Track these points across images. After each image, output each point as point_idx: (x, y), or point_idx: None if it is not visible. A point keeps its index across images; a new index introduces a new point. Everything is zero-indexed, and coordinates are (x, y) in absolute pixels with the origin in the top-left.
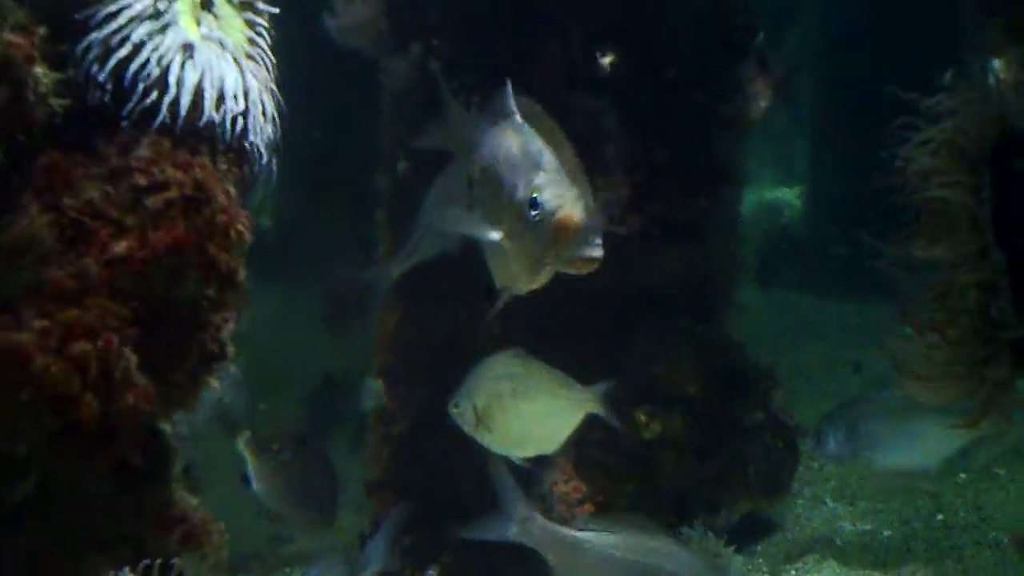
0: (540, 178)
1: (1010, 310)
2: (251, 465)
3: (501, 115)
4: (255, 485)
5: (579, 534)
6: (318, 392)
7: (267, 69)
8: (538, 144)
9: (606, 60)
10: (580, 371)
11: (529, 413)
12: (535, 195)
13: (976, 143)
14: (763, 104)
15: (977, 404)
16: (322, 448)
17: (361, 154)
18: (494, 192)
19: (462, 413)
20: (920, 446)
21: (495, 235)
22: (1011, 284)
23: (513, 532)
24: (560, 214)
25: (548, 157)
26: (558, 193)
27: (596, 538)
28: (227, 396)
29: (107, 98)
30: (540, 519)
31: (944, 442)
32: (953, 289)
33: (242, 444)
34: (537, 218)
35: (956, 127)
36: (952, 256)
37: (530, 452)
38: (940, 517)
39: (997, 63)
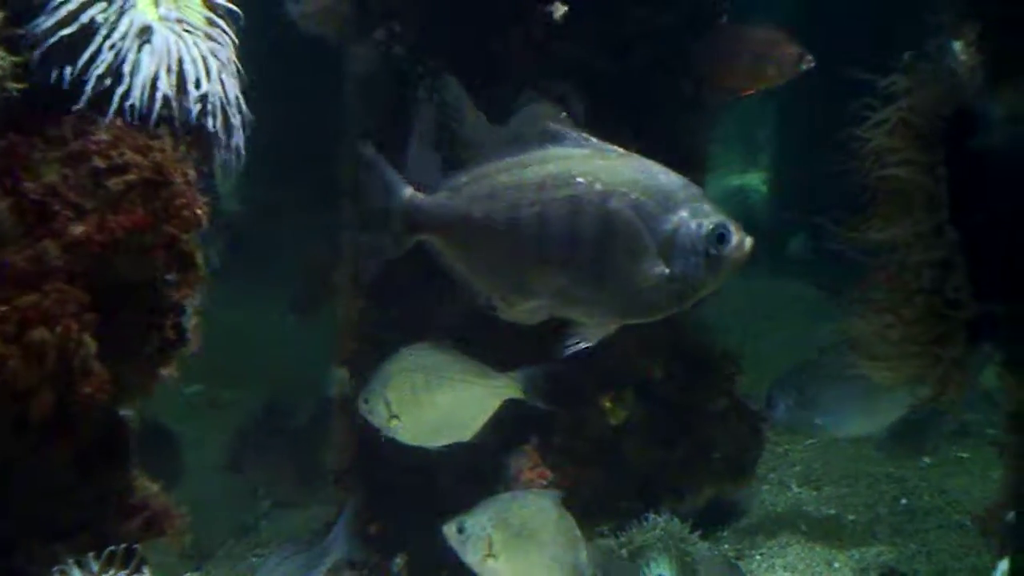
0: (710, 208)
1: (965, 288)
2: None
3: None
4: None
5: None
6: (258, 419)
7: (229, 51)
8: (661, 167)
9: (558, 13)
10: (545, 356)
11: (444, 403)
12: (720, 229)
13: (930, 122)
14: (795, 69)
15: (932, 383)
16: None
17: (329, 140)
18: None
19: (372, 408)
20: (867, 412)
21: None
22: (966, 262)
23: None
24: (748, 244)
25: (686, 181)
26: (736, 224)
27: None
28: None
29: (65, 81)
30: None
31: (890, 408)
32: (908, 268)
33: None
34: (723, 253)
35: (910, 106)
36: (907, 235)
37: (444, 441)
38: (904, 501)
39: (957, 44)
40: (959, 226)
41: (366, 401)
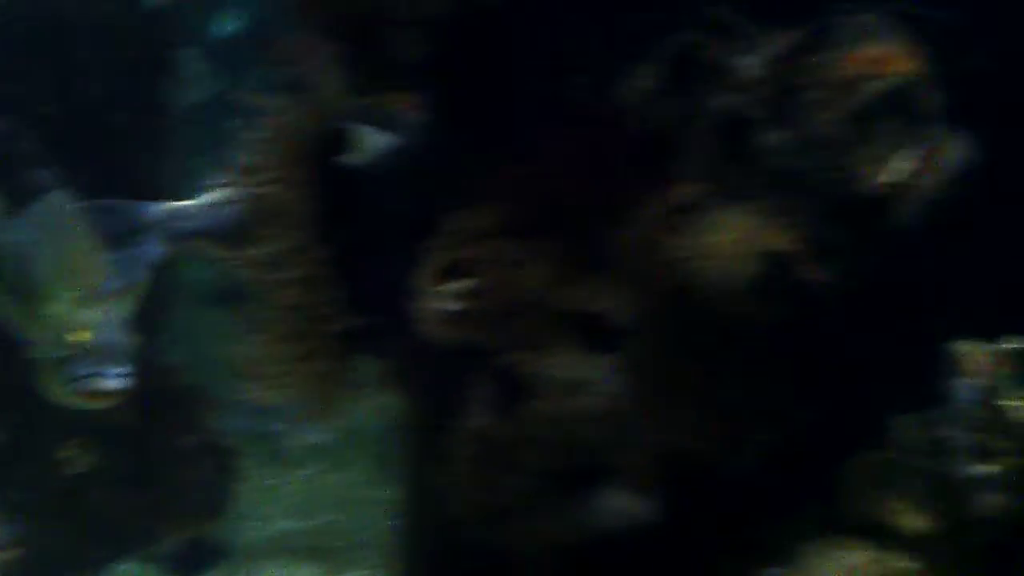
0: None
1: (335, 303)
2: None
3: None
4: None
5: None
6: None
7: None
8: None
9: None
10: None
11: None
12: None
13: (299, 140)
14: None
15: (315, 398)
16: None
17: None
18: None
19: None
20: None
21: None
22: (337, 277)
23: None
24: None
25: None
26: None
27: None
28: None
29: None
30: None
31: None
32: (282, 286)
33: None
34: None
35: (279, 124)
36: (280, 253)
37: None
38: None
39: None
40: (329, 241)
41: None
